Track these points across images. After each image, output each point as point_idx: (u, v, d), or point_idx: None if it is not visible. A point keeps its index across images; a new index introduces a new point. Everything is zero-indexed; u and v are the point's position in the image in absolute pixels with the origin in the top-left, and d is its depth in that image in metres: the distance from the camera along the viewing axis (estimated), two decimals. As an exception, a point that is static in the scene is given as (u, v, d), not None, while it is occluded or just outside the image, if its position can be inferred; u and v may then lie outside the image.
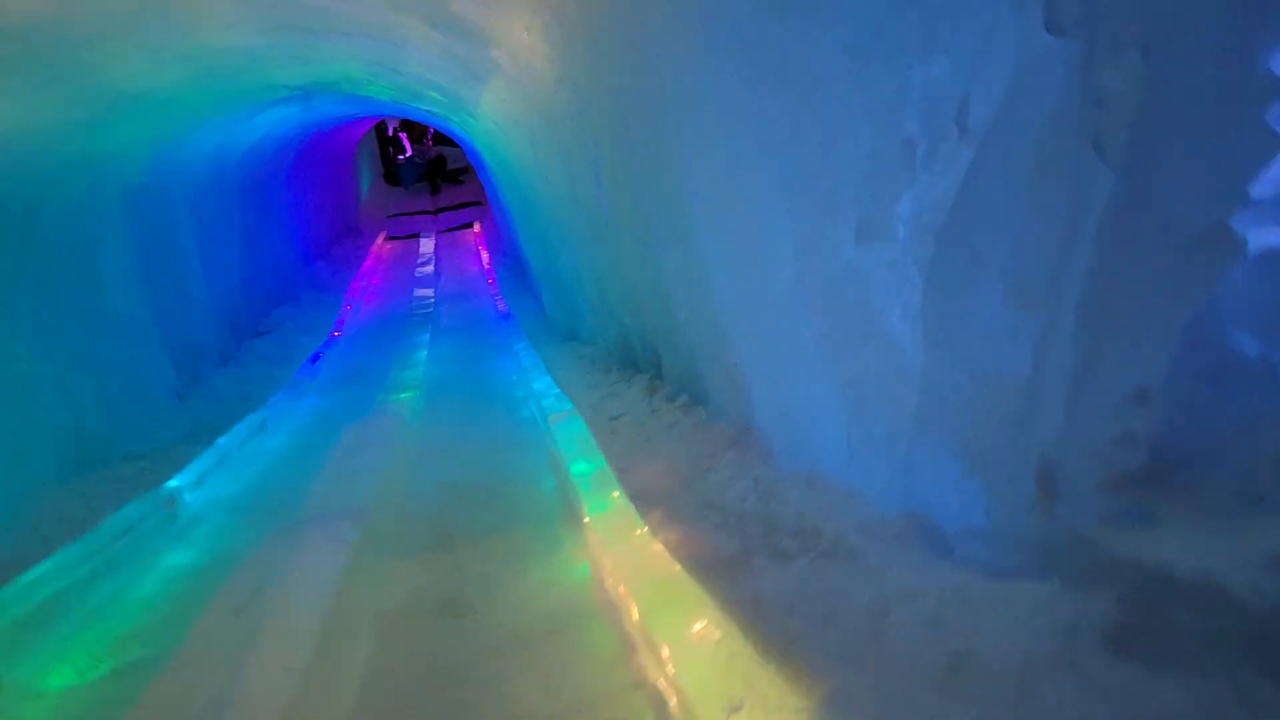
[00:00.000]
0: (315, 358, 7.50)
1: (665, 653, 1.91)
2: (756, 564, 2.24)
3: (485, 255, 11.97)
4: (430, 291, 10.36)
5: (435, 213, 14.97)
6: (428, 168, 16.59)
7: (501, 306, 9.09)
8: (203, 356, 6.60)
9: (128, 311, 5.44)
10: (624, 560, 2.53)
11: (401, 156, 17.25)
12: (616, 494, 3.09)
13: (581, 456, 3.60)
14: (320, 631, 2.16)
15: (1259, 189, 1.14)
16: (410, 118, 8.95)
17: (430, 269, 11.61)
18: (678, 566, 2.35)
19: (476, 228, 13.46)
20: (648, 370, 4.66)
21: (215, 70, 4.66)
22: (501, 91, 4.96)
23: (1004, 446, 1.63)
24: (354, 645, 2.29)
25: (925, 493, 2.05)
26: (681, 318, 3.61)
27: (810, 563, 2.09)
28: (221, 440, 4.79)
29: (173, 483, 4.15)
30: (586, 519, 2.98)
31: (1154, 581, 1.24)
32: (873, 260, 1.92)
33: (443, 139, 15.68)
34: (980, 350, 1.64)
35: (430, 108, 6.87)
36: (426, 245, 12.90)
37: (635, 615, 2.18)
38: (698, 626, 1.99)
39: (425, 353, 7.17)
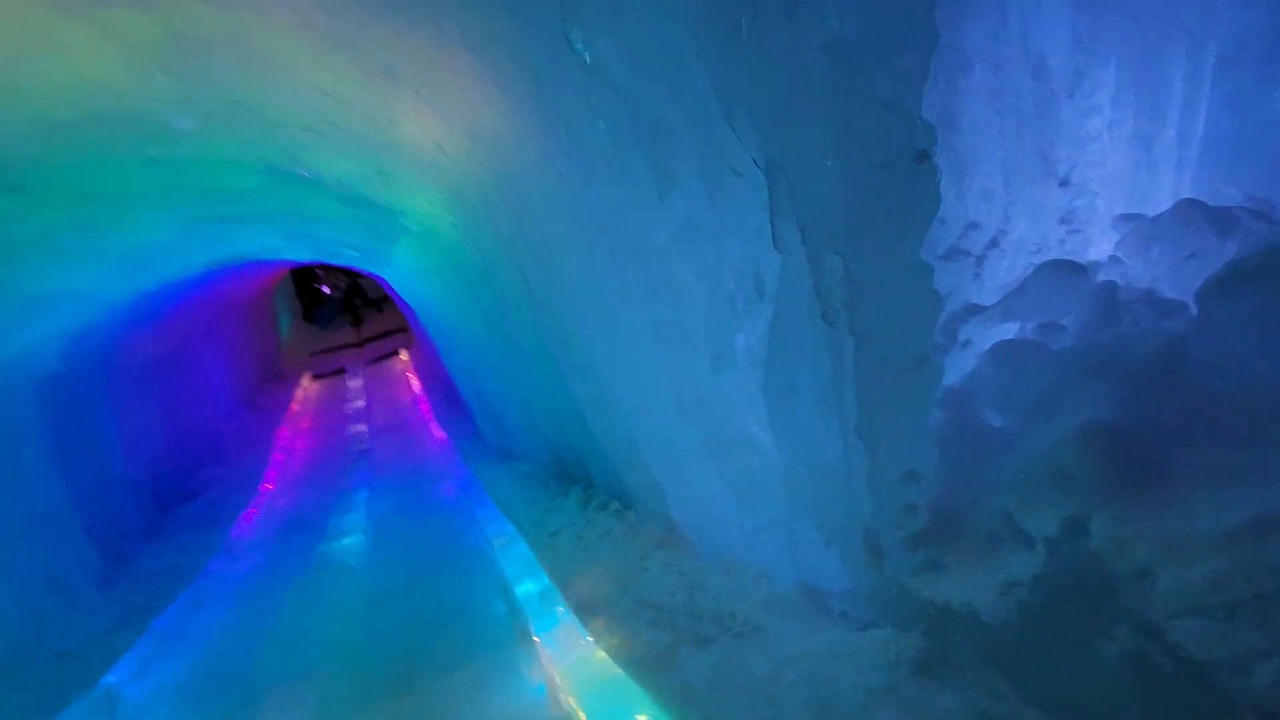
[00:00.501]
0: (248, 516, 7.43)
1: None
2: (683, 654, 2.57)
3: (416, 382, 12.14)
4: (364, 427, 10.42)
5: (360, 344, 15.10)
6: (345, 297, 16.89)
7: (437, 433, 9.25)
8: (126, 533, 6.44)
9: (44, 502, 5.37)
10: (571, 672, 2.81)
11: (323, 299, 17.58)
12: (560, 609, 3.37)
13: (527, 576, 3.87)
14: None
15: (941, 328, 1.67)
16: (328, 266, 9.32)
17: (361, 403, 11.67)
18: (619, 670, 2.66)
19: (404, 355, 13.63)
20: (580, 481, 5.00)
21: (134, 263, 4.96)
22: (411, 248, 5.45)
23: (842, 522, 2.08)
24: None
25: (808, 563, 2.46)
26: (599, 434, 4.01)
27: (726, 645, 2.44)
28: (156, 622, 4.73)
29: (109, 679, 4.06)
30: (536, 639, 3.24)
31: (942, 614, 1.67)
32: (727, 383, 2.41)
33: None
34: (808, 449, 2.11)
35: (347, 260, 7.30)
36: (354, 381, 12.98)
37: (584, 720, 2.45)
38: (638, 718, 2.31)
39: (365, 492, 7.26)
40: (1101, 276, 2.06)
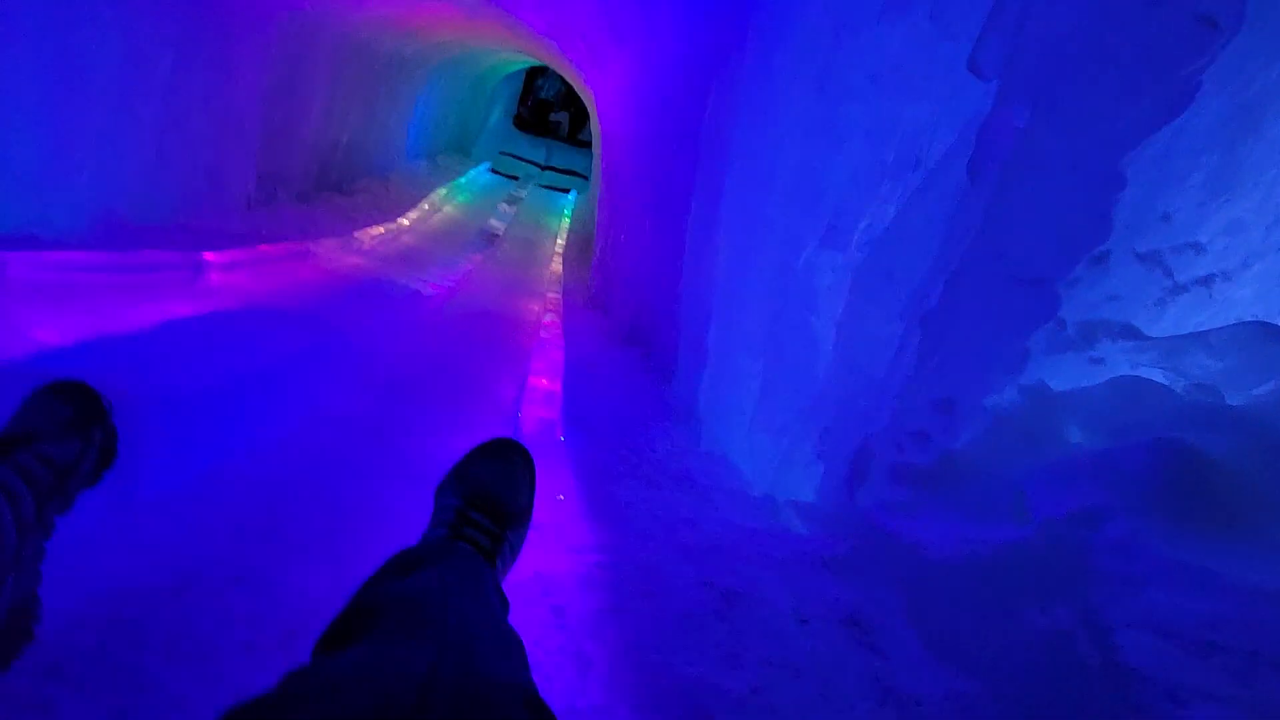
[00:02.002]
0: (374, 233, 8.03)
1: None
2: (630, 483, 2.50)
3: (566, 222, 12.49)
4: (503, 227, 10.87)
5: (542, 168, 15.64)
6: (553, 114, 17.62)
7: (556, 265, 9.52)
8: (283, 185, 7.19)
9: (242, 113, 6.01)
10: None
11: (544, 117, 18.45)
12: (556, 408, 3.38)
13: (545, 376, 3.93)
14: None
15: (1083, 271, 1.39)
16: (553, 65, 9.52)
17: (513, 210, 12.15)
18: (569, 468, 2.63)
19: (570, 194, 14.04)
20: (642, 345, 4.95)
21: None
22: (633, 58, 5.39)
23: (845, 434, 1.87)
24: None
25: (788, 478, 2.28)
26: (685, 297, 3.90)
27: (667, 492, 2.34)
28: (264, 248, 5.29)
29: (207, 255, 4.60)
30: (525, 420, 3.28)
31: (881, 536, 1.47)
32: (825, 264, 2.19)
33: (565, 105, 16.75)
34: (862, 352, 1.89)
35: (572, 54, 7.39)
36: (521, 191, 13.51)
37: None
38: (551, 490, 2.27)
39: (470, 268, 7.66)
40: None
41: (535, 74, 17.67)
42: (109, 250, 3.72)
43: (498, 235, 10.29)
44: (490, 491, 1.21)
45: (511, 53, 11.47)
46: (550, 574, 1.47)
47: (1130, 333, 1.88)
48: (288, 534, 1.86)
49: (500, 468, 1.26)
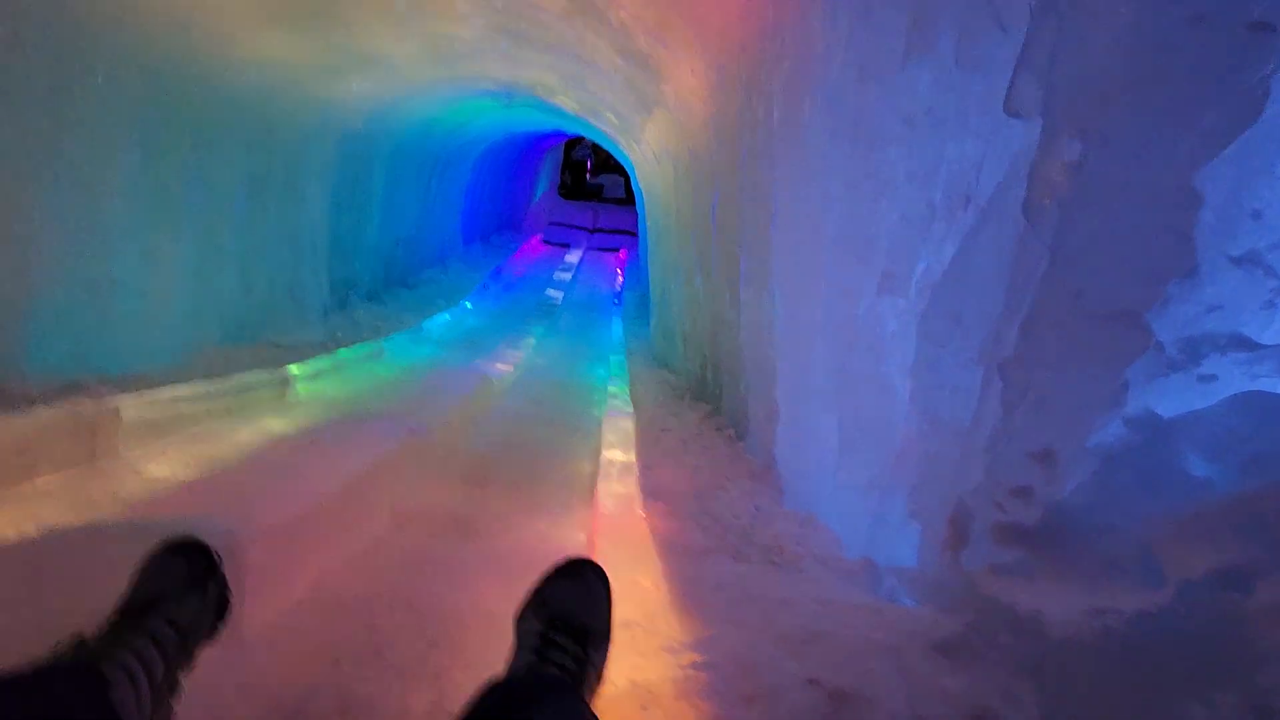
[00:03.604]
0: (443, 319, 8.40)
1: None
2: (717, 559, 2.42)
3: (621, 279, 12.72)
4: (560, 295, 11.18)
5: (591, 231, 16.08)
6: (591, 176, 18.34)
7: (616, 325, 9.68)
8: (355, 289, 7.63)
9: (312, 230, 6.48)
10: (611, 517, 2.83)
11: (583, 182, 19.28)
12: (631, 482, 3.36)
13: (620, 448, 3.92)
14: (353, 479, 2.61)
15: (1174, 289, 1.28)
16: (590, 135, 9.89)
17: (569, 276, 12.49)
18: (650, 543, 2.59)
19: (622, 253, 14.33)
20: (711, 401, 4.90)
21: (441, 50, 5.57)
22: (662, 123, 5.51)
23: (937, 492, 1.77)
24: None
25: (882, 537, 2.17)
26: (746, 353, 3.85)
27: (758, 567, 2.26)
28: (343, 352, 5.59)
29: (295, 369, 4.91)
30: (596, 496, 3.28)
31: (999, 613, 1.36)
32: (887, 309, 2.12)
33: (609, 168, 17.19)
34: (940, 400, 1.80)
35: (605, 127, 7.63)
36: (572, 256, 13.89)
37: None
38: (644, 582, 2.23)
39: (535, 342, 7.86)
40: None
41: (573, 143, 18.37)
42: (207, 379, 4.01)
43: (556, 305, 10.60)
44: (571, 613, 1.22)
45: (550, 131, 11.99)
46: (646, 682, 1.42)
47: (1241, 343, 1.72)
48: (387, 654, 1.89)
49: (577, 588, 1.27)
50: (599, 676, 1.23)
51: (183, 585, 1.28)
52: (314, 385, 5.07)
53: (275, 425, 4.19)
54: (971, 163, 1.71)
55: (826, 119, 2.39)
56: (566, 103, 7.05)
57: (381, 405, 4.39)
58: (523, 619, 1.27)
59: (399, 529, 2.96)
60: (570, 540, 3.03)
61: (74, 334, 3.78)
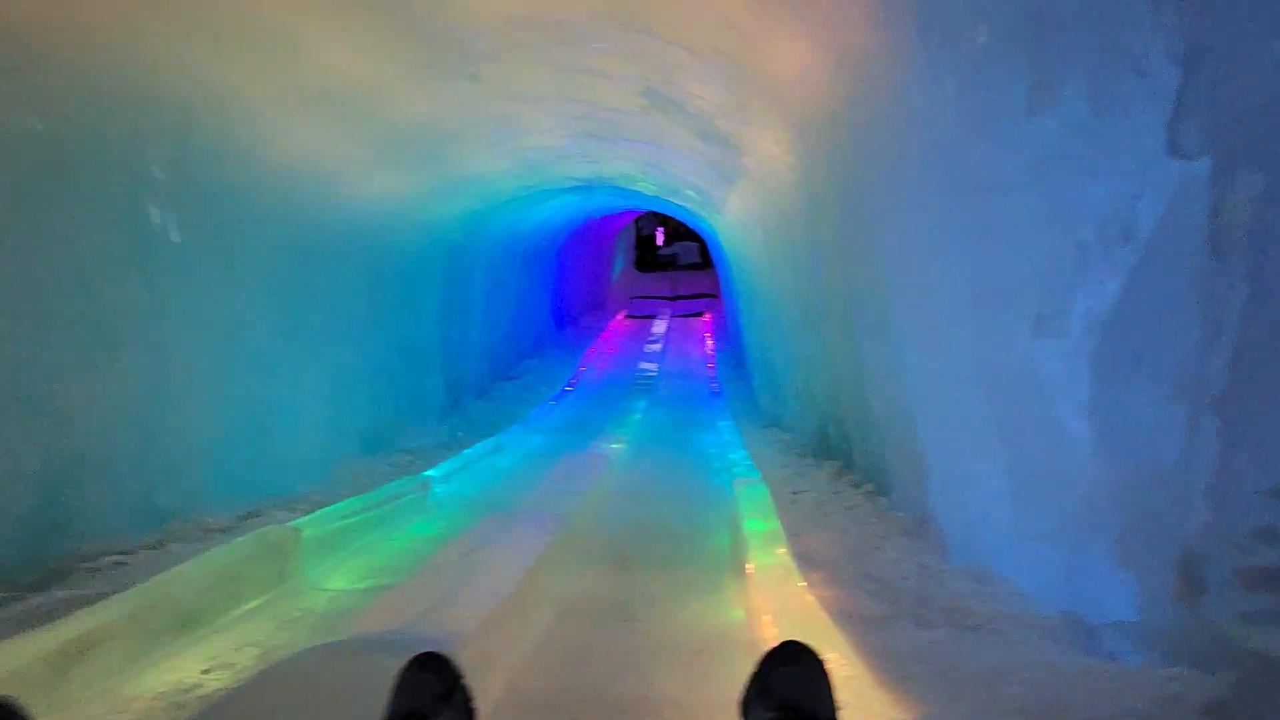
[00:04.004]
0: (549, 405, 8.72)
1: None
2: (899, 626, 2.33)
3: (710, 342, 12.81)
4: (654, 366, 11.36)
5: (673, 299, 16.40)
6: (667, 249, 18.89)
7: (715, 388, 9.71)
8: (466, 387, 8.06)
9: (426, 340, 6.97)
10: (777, 603, 2.77)
11: (655, 254, 19.95)
12: (781, 551, 3.31)
13: (760, 516, 3.89)
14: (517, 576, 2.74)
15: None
16: (667, 211, 10.24)
17: (659, 346, 12.70)
18: (819, 614, 2.52)
19: (706, 316, 14.48)
20: (839, 458, 4.80)
21: (529, 162, 6.02)
22: (746, 192, 5.67)
23: (1152, 538, 1.68)
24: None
25: (1084, 588, 2.04)
26: (876, 406, 3.79)
27: (949, 632, 2.16)
28: (467, 451, 5.92)
29: (430, 473, 5.22)
30: (750, 567, 3.24)
31: (1270, 667, 1.27)
32: (1046, 352, 2.07)
33: (680, 235, 17.71)
34: (1134, 441, 1.72)
35: (684, 203, 7.90)
36: (658, 326, 14.14)
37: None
38: (829, 656, 2.17)
39: (640, 416, 7.99)
40: None
41: (639, 219, 19.00)
42: (359, 493, 4.33)
43: (652, 376, 10.76)
44: (799, 701, 1.22)
45: (624, 210, 12.53)
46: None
47: None
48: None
49: (800, 675, 1.27)
50: None
51: (436, 699, 1.38)
52: (447, 486, 5.37)
53: (425, 530, 4.45)
54: (1125, 201, 1.69)
55: (933, 173, 2.43)
56: (646, 188, 7.38)
57: (514, 499, 4.56)
58: (750, 709, 1.28)
59: (561, 620, 3.02)
60: (729, 618, 2.99)
61: (244, 462, 4.20)
